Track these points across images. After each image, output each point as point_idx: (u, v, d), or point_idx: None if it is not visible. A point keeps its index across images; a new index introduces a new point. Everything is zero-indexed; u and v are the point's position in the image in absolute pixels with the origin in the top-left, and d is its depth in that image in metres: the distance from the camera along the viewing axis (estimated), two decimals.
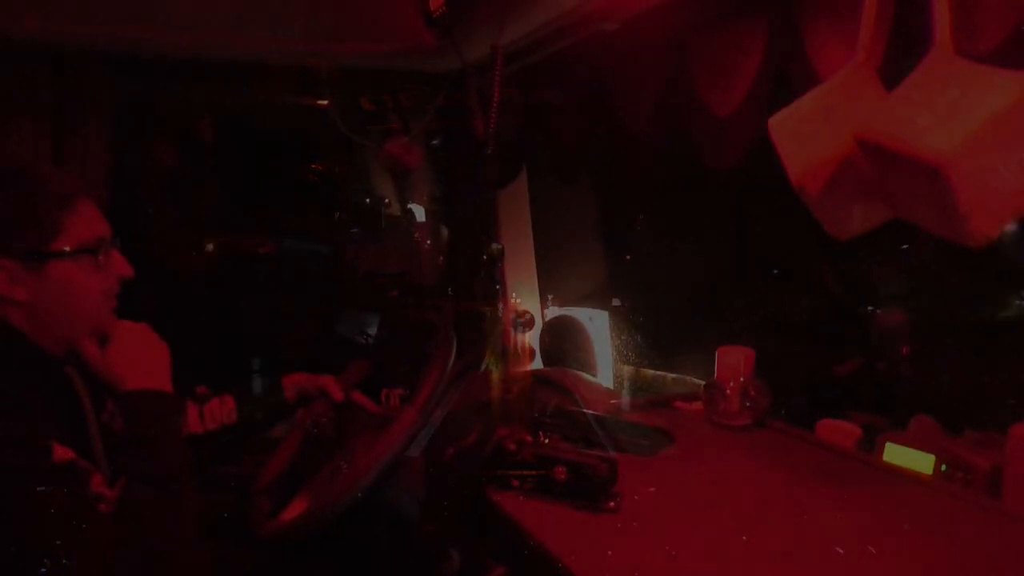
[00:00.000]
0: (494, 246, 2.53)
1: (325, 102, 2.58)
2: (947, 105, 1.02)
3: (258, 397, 1.68)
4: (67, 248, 1.17)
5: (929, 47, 1.11)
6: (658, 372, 2.50)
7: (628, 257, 3.12)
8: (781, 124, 1.26)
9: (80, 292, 1.20)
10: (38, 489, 1.01)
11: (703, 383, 1.77)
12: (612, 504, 1.25)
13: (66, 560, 0.99)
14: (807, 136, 1.22)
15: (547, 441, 1.41)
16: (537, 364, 2.58)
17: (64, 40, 1.92)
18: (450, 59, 2.17)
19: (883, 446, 1.53)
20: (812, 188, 1.21)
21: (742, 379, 1.68)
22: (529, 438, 1.37)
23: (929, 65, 1.09)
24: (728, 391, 1.68)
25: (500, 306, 2.57)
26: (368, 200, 2.99)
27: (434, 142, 2.71)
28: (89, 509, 1.05)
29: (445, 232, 2.74)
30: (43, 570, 0.99)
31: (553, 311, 2.66)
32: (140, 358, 1.25)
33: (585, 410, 1.79)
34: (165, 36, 1.97)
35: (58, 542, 1.00)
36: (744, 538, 1.17)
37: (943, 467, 1.41)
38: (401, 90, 2.56)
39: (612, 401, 1.92)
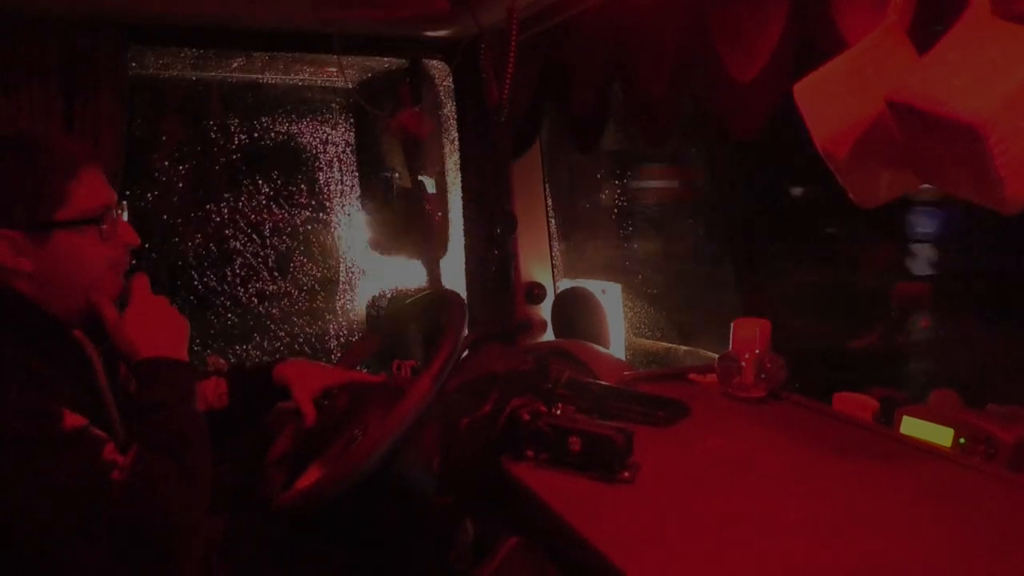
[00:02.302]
0: (507, 217, 2.51)
1: (335, 70, 2.55)
2: (985, 65, 0.99)
3: (251, 384, 1.60)
4: (71, 217, 1.15)
5: (958, 9, 1.07)
6: (672, 344, 2.49)
7: (641, 229, 3.10)
8: (807, 89, 1.23)
9: (86, 261, 1.19)
10: (49, 457, 1.01)
11: (717, 356, 1.75)
12: (627, 474, 1.24)
13: (78, 529, 0.99)
14: (835, 101, 1.19)
15: (561, 412, 1.40)
16: (549, 336, 2.58)
17: (75, 7, 1.89)
18: (464, 24, 2.14)
19: (900, 419, 1.52)
20: (839, 154, 1.18)
21: (757, 351, 1.67)
22: (543, 409, 1.36)
23: (965, 25, 1.06)
24: (743, 363, 1.67)
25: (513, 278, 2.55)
26: (378, 171, 2.97)
27: (446, 111, 2.68)
28: (101, 477, 1.04)
29: (458, 204, 2.73)
30: (55, 538, 0.99)
31: (565, 283, 2.64)
32: (157, 328, 1.24)
33: (599, 381, 1.78)
34: (177, 3, 1.94)
35: (69, 510, 1.00)
36: (759, 509, 1.17)
37: (961, 440, 1.39)
38: (414, 57, 2.53)
39: (625, 373, 1.91)
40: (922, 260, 2.79)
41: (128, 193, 2.48)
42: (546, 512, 1.18)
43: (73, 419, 1.05)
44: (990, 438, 1.34)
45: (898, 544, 1.06)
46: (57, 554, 1.00)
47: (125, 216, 1.28)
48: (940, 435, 1.45)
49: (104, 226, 1.19)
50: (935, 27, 1.22)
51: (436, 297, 1.79)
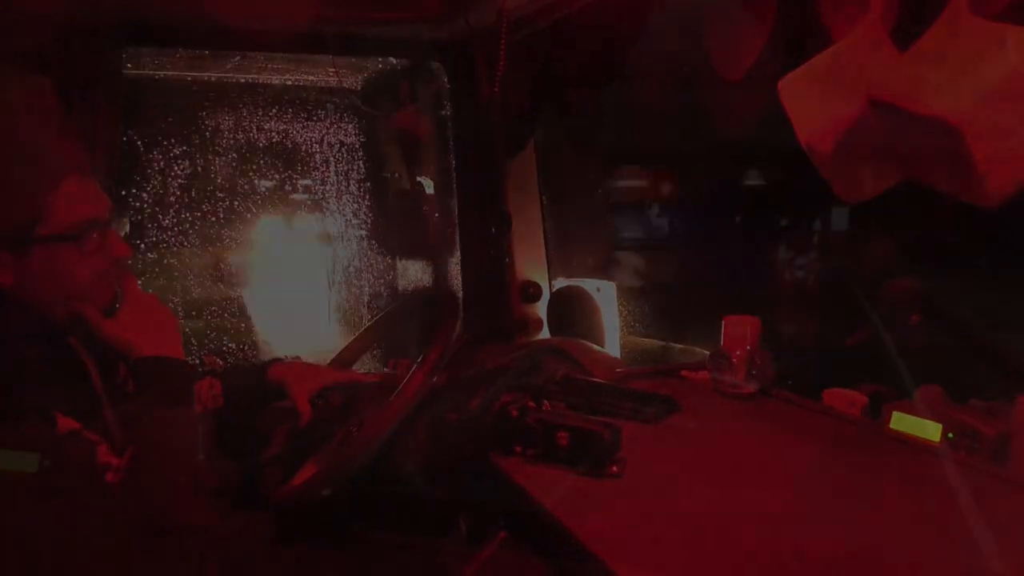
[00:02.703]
0: (501, 216, 2.52)
1: (332, 70, 2.56)
2: (962, 63, 1.01)
3: (246, 384, 1.61)
4: (49, 233, 1.13)
5: (939, 7, 1.09)
6: (665, 343, 2.50)
7: (636, 227, 3.11)
8: (791, 85, 1.24)
9: (66, 276, 1.16)
10: (43, 462, 1.01)
11: (709, 352, 1.77)
12: (615, 469, 1.26)
13: (73, 531, 1.00)
14: (818, 97, 1.20)
15: (550, 408, 1.41)
16: (544, 334, 2.59)
17: (71, 7, 1.91)
18: (456, 25, 2.15)
19: (889, 414, 1.53)
20: (823, 150, 1.20)
21: (748, 348, 1.68)
22: (532, 404, 1.38)
23: (944, 23, 1.07)
24: (734, 360, 1.68)
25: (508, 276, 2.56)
26: (376, 172, 2.98)
27: (442, 112, 2.69)
28: (96, 479, 1.05)
29: (453, 203, 2.73)
30: (49, 542, 1.00)
31: (560, 282, 2.65)
32: (150, 326, 1.24)
33: (591, 378, 1.79)
34: (173, 5, 1.96)
35: (64, 514, 1.00)
36: (748, 504, 1.18)
37: (949, 435, 1.41)
38: (410, 57, 2.54)
39: (618, 370, 1.92)
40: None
41: (124, 192, 2.50)
42: (534, 507, 1.20)
43: (66, 423, 1.06)
44: (976, 432, 1.35)
45: (887, 537, 1.07)
46: (52, 557, 1.00)
47: (125, 226, 1.27)
48: (929, 430, 1.46)
49: (86, 240, 1.17)
50: (917, 25, 1.24)
51: (431, 296, 1.81)
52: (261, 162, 2.83)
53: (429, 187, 2.69)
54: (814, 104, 1.23)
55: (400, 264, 2.90)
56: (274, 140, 2.82)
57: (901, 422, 1.52)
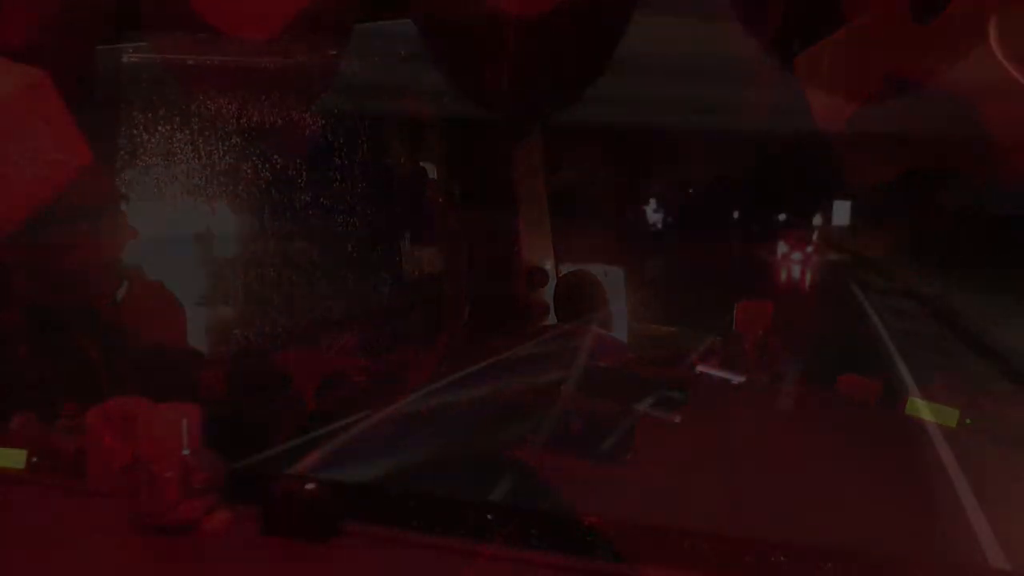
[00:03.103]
0: (508, 203, 2.50)
1: (336, 57, 2.53)
2: (984, 39, 0.98)
3: (251, 372, 1.63)
4: (56, 222, 1.15)
5: None
6: (673, 328, 2.49)
7: (642, 213, 3.09)
8: (808, 62, 1.21)
9: (74, 263, 1.18)
10: (31, 459, 1.01)
11: (720, 338, 1.75)
12: (628, 457, 1.24)
13: (71, 529, 1.00)
14: (835, 74, 1.18)
15: (562, 395, 1.40)
16: (552, 320, 2.57)
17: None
18: (461, 12, 2.12)
19: (905, 401, 1.51)
20: (836, 128, 1.18)
21: (760, 333, 1.66)
22: (544, 392, 1.36)
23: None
24: (746, 345, 1.67)
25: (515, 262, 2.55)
26: (380, 158, 2.96)
27: (447, 99, 2.66)
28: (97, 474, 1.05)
29: (459, 191, 2.71)
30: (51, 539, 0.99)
31: (567, 267, 2.63)
32: (155, 315, 1.25)
33: (601, 365, 1.78)
34: None
35: (63, 510, 1.00)
36: (762, 490, 1.16)
37: (967, 421, 1.39)
38: (413, 45, 2.51)
39: (627, 356, 1.91)
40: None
41: (127, 179, 2.48)
42: (546, 494, 1.18)
43: (72, 410, 1.06)
44: (993, 417, 1.34)
45: (907, 523, 1.06)
46: (52, 554, 1.00)
47: (128, 214, 1.28)
48: (946, 415, 1.44)
49: (96, 224, 1.19)
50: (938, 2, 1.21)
51: (437, 284, 1.80)
52: (264, 148, 2.81)
53: (434, 175, 2.67)
54: (830, 81, 1.20)
55: (406, 252, 2.88)
56: (277, 126, 2.79)
57: (917, 408, 1.50)
